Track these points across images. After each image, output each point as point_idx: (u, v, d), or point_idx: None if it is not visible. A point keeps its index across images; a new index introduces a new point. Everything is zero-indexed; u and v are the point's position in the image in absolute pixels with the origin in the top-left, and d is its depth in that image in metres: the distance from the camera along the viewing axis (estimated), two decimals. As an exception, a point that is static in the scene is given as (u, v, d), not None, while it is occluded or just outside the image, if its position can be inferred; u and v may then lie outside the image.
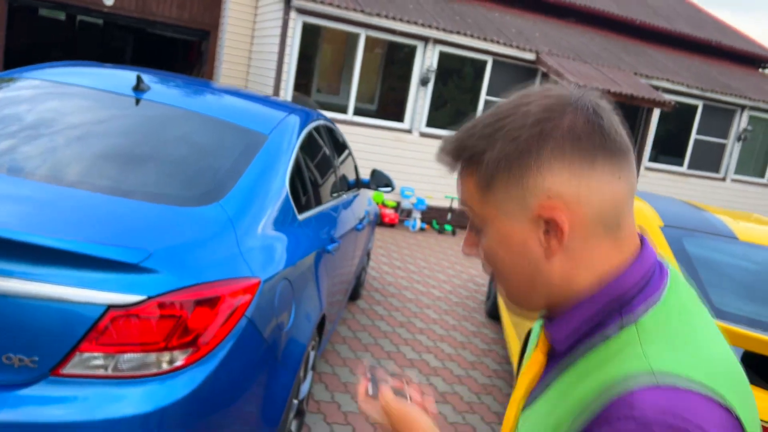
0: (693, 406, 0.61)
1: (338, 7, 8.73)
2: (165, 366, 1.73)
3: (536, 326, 0.93)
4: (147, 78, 2.88)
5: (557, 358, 0.79)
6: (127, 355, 1.69)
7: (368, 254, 5.22)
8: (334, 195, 3.51)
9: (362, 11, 8.87)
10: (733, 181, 12.33)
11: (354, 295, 4.99)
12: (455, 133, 0.79)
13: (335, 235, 3.06)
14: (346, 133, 9.01)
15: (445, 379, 4.04)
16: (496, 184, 0.74)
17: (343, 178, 3.92)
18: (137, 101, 2.59)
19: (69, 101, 2.52)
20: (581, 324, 0.75)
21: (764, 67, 14.92)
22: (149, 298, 1.71)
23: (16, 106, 2.44)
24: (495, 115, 0.75)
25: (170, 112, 2.57)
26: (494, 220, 0.76)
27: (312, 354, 2.76)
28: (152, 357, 1.72)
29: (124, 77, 2.81)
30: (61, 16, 16.86)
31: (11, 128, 2.29)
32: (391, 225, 8.95)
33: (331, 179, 3.56)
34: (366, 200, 4.62)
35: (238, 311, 1.88)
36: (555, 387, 0.76)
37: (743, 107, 11.92)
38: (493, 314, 5.38)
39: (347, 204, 3.76)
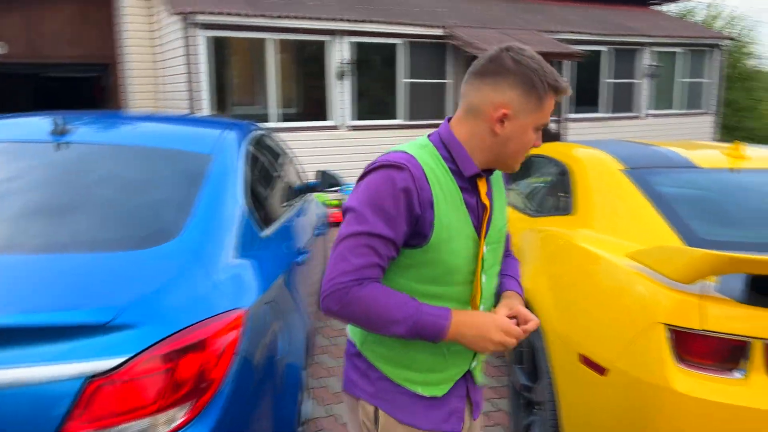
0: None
1: (238, 15, 8.46)
2: (163, 429, 1.55)
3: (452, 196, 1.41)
4: (66, 119, 2.62)
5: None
6: (120, 427, 1.50)
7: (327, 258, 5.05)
8: (285, 205, 3.34)
9: (263, 15, 8.63)
10: (649, 116, 12.81)
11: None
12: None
13: (301, 246, 2.90)
14: (273, 141, 8.77)
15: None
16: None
17: (290, 185, 3.75)
18: (57, 146, 2.34)
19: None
20: None
21: (651, 4, 15.52)
22: (130, 358, 1.52)
23: None
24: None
25: (101, 151, 2.34)
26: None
27: (304, 373, 2.60)
28: (147, 422, 1.53)
29: (38, 123, 2.55)
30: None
31: None
32: (338, 223, 8.81)
33: (280, 189, 3.38)
34: (314, 204, 4.45)
35: (228, 350, 1.70)
36: (496, 193, 1.49)
37: (645, 45, 12.36)
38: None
39: (301, 211, 3.60)
